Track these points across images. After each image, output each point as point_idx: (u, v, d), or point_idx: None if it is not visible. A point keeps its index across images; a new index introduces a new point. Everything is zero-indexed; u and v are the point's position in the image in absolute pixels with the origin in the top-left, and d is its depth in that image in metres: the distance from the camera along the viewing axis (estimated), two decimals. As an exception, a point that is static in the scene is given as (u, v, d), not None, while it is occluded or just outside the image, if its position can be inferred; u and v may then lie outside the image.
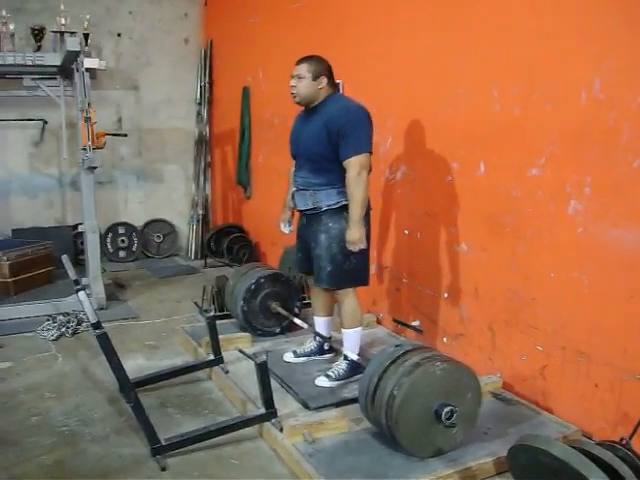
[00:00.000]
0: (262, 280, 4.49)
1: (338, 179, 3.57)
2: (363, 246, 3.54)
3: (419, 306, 4.41)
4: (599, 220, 3.08)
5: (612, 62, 2.95)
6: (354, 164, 3.47)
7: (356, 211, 3.50)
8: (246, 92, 6.80)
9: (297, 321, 4.20)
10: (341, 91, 4.71)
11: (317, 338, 4.08)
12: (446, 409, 2.85)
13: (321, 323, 4.06)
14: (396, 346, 3.11)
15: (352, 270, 3.67)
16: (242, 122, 6.89)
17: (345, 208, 3.58)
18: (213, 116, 7.78)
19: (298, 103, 3.72)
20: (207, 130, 7.73)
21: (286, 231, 4.08)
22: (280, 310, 4.44)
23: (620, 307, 3.01)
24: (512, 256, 3.59)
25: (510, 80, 3.50)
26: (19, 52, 5.38)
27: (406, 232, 4.00)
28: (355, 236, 3.51)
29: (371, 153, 3.53)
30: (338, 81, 4.88)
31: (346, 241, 3.53)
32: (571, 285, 3.25)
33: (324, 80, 3.62)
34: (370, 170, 3.55)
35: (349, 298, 3.73)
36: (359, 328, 3.80)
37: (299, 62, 3.64)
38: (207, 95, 7.68)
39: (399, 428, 2.86)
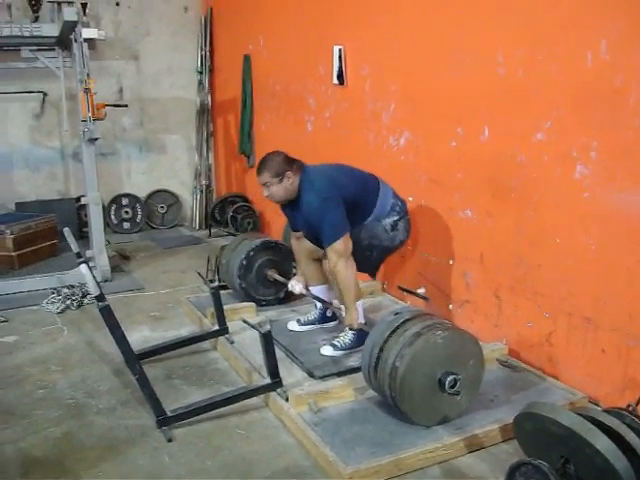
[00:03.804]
0: (252, 253, 4.45)
1: (365, 208, 3.61)
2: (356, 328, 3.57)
3: (424, 273, 4.39)
4: (605, 184, 3.03)
5: (619, 22, 2.87)
6: (330, 255, 3.47)
7: (345, 297, 3.54)
8: (247, 60, 6.71)
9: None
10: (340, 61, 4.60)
11: (319, 306, 4.07)
12: (449, 377, 2.83)
13: (318, 291, 4.03)
14: (395, 314, 3.08)
15: (364, 259, 3.68)
16: (244, 91, 6.82)
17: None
18: (215, 85, 7.70)
19: (280, 203, 3.73)
20: (209, 99, 7.65)
21: (297, 290, 4.05)
22: (277, 277, 4.42)
23: (626, 272, 2.98)
24: (518, 222, 3.56)
25: (515, 42, 3.43)
26: (16, 23, 5.32)
27: (410, 199, 3.96)
28: (349, 320, 3.57)
29: (347, 230, 3.46)
30: (337, 48, 4.85)
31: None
32: (577, 250, 3.22)
33: (289, 175, 3.54)
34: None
35: None
36: (360, 302, 3.76)
37: (258, 172, 3.62)
38: (208, 64, 7.59)
39: (403, 399, 2.85)
